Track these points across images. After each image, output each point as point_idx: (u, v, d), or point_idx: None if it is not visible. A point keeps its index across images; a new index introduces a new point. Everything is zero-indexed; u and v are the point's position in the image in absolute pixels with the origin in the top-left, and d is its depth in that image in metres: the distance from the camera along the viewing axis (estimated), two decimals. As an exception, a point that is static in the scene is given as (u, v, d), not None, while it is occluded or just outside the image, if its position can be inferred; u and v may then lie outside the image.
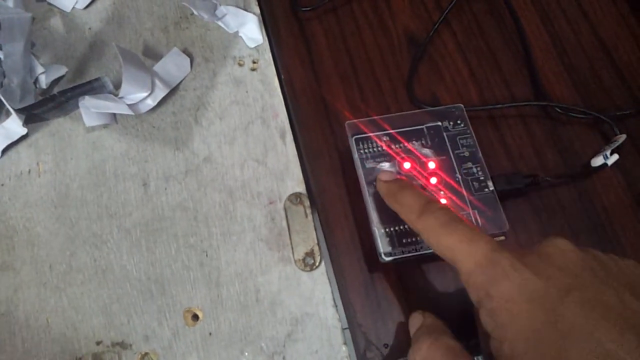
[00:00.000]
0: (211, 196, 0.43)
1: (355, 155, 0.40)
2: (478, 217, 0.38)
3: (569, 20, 0.49)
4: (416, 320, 0.34)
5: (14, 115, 0.44)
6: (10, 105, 0.43)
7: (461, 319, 0.38)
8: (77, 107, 0.45)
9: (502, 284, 0.26)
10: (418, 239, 0.37)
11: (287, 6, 0.51)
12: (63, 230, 0.43)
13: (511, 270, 0.26)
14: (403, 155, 0.40)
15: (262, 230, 0.42)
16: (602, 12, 0.49)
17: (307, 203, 0.42)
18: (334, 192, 0.43)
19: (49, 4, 0.51)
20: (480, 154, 0.39)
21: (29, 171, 0.45)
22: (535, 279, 0.25)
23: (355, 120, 0.41)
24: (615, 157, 0.40)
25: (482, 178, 0.39)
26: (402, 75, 0.47)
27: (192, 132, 0.46)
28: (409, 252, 0.37)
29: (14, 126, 0.45)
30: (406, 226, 0.37)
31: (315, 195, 0.43)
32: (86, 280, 0.41)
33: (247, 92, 0.47)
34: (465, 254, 0.28)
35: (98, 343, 0.39)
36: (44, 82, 0.47)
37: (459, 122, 0.41)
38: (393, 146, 0.40)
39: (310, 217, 0.42)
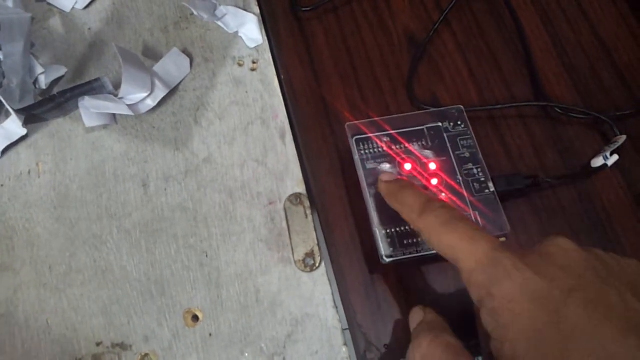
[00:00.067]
0: (211, 197, 0.43)
1: (356, 156, 0.40)
2: (479, 218, 0.37)
3: (569, 21, 0.49)
4: (417, 316, 0.34)
5: (13, 116, 0.44)
6: (9, 105, 0.43)
7: (461, 320, 0.38)
8: (77, 107, 0.45)
9: (503, 284, 0.26)
10: (419, 240, 0.37)
11: (287, 6, 0.50)
12: (63, 231, 0.43)
13: (513, 270, 0.26)
14: (404, 156, 0.40)
15: (262, 230, 0.42)
16: (602, 12, 0.49)
17: (307, 204, 0.42)
18: (334, 192, 0.43)
19: (49, 4, 0.51)
20: (481, 155, 0.39)
21: (29, 172, 0.45)
22: (537, 278, 0.25)
23: (355, 122, 0.41)
24: (616, 157, 0.40)
25: (482, 179, 0.39)
26: (402, 75, 0.47)
27: (191, 132, 0.45)
28: (410, 254, 0.37)
29: (14, 127, 0.45)
30: (407, 227, 0.37)
31: (315, 195, 0.43)
32: (86, 281, 0.41)
33: (246, 92, 0.47)
34: (466, 252, 0.28)
35: (98, 344, 0.39)
36: (43, 82, 0.47)
37: (459, 123, 0.41)
38: (394, 147, 0.40)
39: (310, 217, 0.42)
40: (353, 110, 0.46)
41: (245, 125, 0.46)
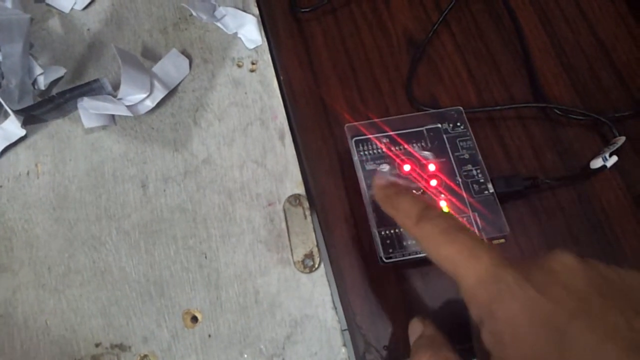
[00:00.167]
0: (210, 198, 0.43)
1: (355, 157, 0.40)
2: (478, 220, 0.38)
3: (568, 21, 0.49)
4: (416, 328, 0.33)
5: (12, 117, 0.44)
6: (8, 106, 0.43)
7: (461, 321, 0.38)
8: (76, 108, 0.45)
9: (506, 302, 0.25)
10: (418, 241, 0.37)
11: (286, 7, 0.51)
12: (62, 232, 0.43)
13: (516, 288, 0.25)
14: (403, 157, 0.40)
15: (261, 231, 0.42)
16: (600, 12, 0.49)
17: (306, 204, 0.42)
18: (333, 193, 0.43)
19: (48, 5, 0.51)
20: (480, 157, 0.40)
21: (28, 172, 0.45)
22: (540, 298, 0.24)
23: (355, 123, 0.41)
24: (615, 159, 0.40)
25: (482, 180, 0.39)
26: (401, 76, 0.47)
27: (191, 133, 0.45)
28: (409, 255, 0.37)
29: (13, 127, 0.45)
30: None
31: (315, 196, 0.43)
32: (85, 282, 0.41)
33: (246, 93, 0.47)
34: (466, 267, 0.27)
35: (97, 345, 0.39)
36: (42, 83, 0.46)
37: (458, 124, 0.41)
38: (393, 148, 0.40)
39: (309, 218, 0.42)
40: (352, 112, 0.46)
41: (245, 126, 0.46)
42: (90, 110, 0.43)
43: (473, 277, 0.26)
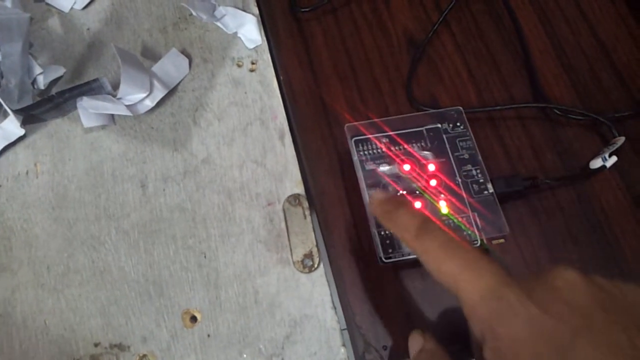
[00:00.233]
0: (210, 197, 0.43)
1: (355, 157, 0.40)
2: (478, 220, 0.38)
3: (568, 21, 0.49)
4: (416, 342, 0.33)
5: (11, 116, 0.44)
6: (8, 105, 0.43)
7: (460, 321, 0.38)
8: (75, 107, 0.45)
9: (508, 320, 0.25)
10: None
11: (286, 7, 0.50)
12: (61, 232, 0.43)
13: (519, 306, 0.25)
14: (403, 157, 0.40)
15: (260, 231, 0.42)
16: (600, 12, 0.49)
17: (305, 204, 0.42)
18: (332, 193, 0.43)
19: (47, 4, 0.51)
20: (480, 157, 0.39)
21: (27, 172, 0.45)
22: (543, 316, 0.24)
23: (354, 123, 0.41)
24: (614, 159, 0.40)
25: (481, 180, 0.39)
26: (401, 76, 0.47)
27: (190, 133, 0.45)
28: (408, 255, 0.37)
29: (12, 127, 0.45)
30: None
31: (314, 196, 0.43)
32: (84, 282, 0.41)
33: (245, 93, 0.47)
34: (468, 283, 0.26)
35: (96, 345, 0.39)
36: (42, 82, 0.46)
37: (458, 124, 0.41)
38: (393, 148, 0.40)
39: (309, 218, 0.42)
40: (352, 112, 0.46)
41: (244, 126, 0.45)
42: (89, 109, 0.43)
43: (475, 293, 0.26)
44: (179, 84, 0.47)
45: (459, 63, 0.47)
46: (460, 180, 0.39)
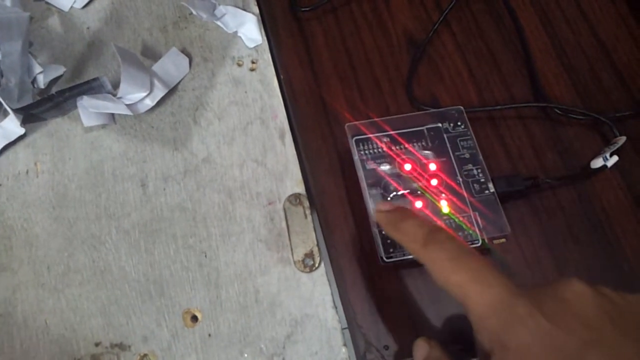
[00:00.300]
0: (210, 197, 0.43)
1: (356, 157, 0.40)
2: (479, 219, 0.38)
3: (568, 21, 0.49)
4: (422, 349, 0.33)
5: (11, 115, 0.44)
6: (8, 105, 0.43)
7: (461, 322, 0.38)
8: (76, 107, 0.45)
9: (517, 332, 0.25)
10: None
11: (286, 6, 0.50)
12: (61, 231, 0.42)
13: (528, 318, 0.25)
14: (403, 156, 0.40)
15: (261, 231, 0.42)
16: (601, 12, 0.49)
17: (306, 204, 0.42)
18: (333, 192, 0.43)
19: (47, 3, 0.51)
20: (481, 156, 0.39)
21: (27, 171, 0.45)
22: (553, 328, 0.24)
23: (355, 122, 0.41)
24: (615, 158, 0.40)
25: (482, 180, 0.39)
26: (402, 76, 0.47)
27: (190, 132, 0.45)
28: (409, 254, 0.37)
29: (12, 126, 0.45)
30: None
31: (315, 195, 0.43)
32: (84, 281, 0.41)
33: (246, 92, 0.47)
34: (477, 294, 0.26)
35: (97, 344, 0.39)
36: (42, 81, 0.46)
37: (459, 123, 0.41)
38: (393, 148, 0.40)
39: (309, 217, 0.42)
40: (352, 111, 0.46)
41: (245, 125, 0.45)
42: (89, 109, 0.43)
43: (484, 304, 0.26)
44: (179, 83, 0.47)
45: (460, 63, 0.47)
46: (461, 179, 0.39)
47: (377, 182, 0.39)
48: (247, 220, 0.42)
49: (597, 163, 0.41)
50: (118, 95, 0.44)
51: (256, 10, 0.50)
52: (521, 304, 0.25)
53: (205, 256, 0.41)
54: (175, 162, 0.44)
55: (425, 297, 0.39)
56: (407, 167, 0.39)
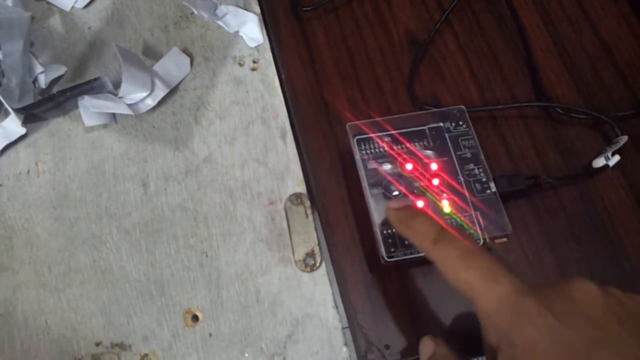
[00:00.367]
0: (211, 196, 0.43)
1: (357, 156, 0.40)
2: (480, 219, 0.37)
3: (570, 20, 0.49)
4: (428, 347, 0.33)
5: (12, 115, 0.44)
6: (9, 104, 0.43)
7: (462, 321, 0.38)
8: (77, 106, 0.45)
9: (525, 329, 0.25)
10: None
11: (288, 6, 0.50)
12: (62, 231, 0.42)
13: (536, 316, 0.25)
14: (405, 156, 0.40)
15: (262, 230, 0.42)
16: (603, 11, 0.49)
17: (307, 203, 0.42)
18: (334, 192, 0.43)
19: (48, 3, 0.51)
20: (482, 156, 0.39)
21: (28, 171, 0.45)
22: (561, 327, 0.24)
23: (356, 122, 0.41)
24: (617, 158, 0.40)
25: (484, 179, 0.39)
26: (403, 76, 0.47)
27: (192, 132, 0.45)
28: (411, 254, 0.37)
29: (13, 126, 0.45)
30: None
31: (316, 195, 0.43)
32: (85, 281, 0.41)
33: (247, 92, 0.47)
34: (486, 292, 0.27)
35: (97, 344, 0.39)
36: (43, 81, 0.46)
37: (460, 123, 0.41)
38: (395, 147, 0.40)
39: (310, 217, 0.42)
40: (354, 110, 0.46)
41: (246, 124, 0.45)
42: (91, 108, 0.43)
43: (492, 302, 0.26)
44: (180, 82, 0.47)
45: (461, 62, 0.47)
46: (462, 179, 0.39)
47: (379, 181, 0.39)
48: (248, 220, 0.42)
49: (599, 162, 0.41)
50: (119, 95, 0.44)
51: (257, 9, 0.50)
52: (529, 302, 0.25)
53: (206, 256, 0.41)
54: (177, 162, 0.44)
55: (426, 296, 0.39)
56: (409, 166, 0.39)
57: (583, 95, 0.45)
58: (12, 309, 0.40)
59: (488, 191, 0.38)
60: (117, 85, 0.44)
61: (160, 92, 0.45)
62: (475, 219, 0.37)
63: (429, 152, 0.40)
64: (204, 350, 0.39)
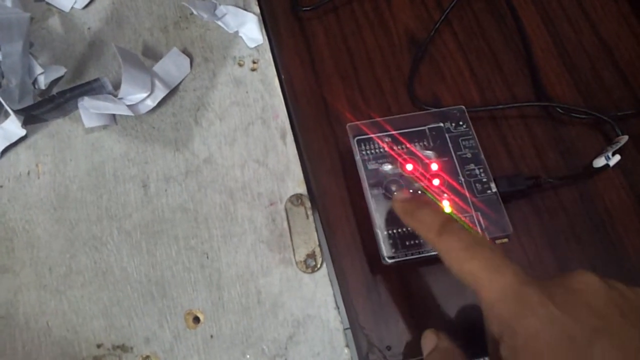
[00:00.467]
0: (212, 197, 0.43)
1: (357, 157, 0.40)
2: (481, 219, 0.37)
3: (570, 20, 0.49)
4: (430, 341, 0.33)
5: (12, 117, 0.44)
6: (9, 106, 0.43)
7: (463, 321, 0.38)
8: (76, 107, 0.45)
9: (528, 319, 0.25)
10: (420, 241, 0.37)
11: (287, 6, 0.50)
12: (63, 232, 0.42)
13: (538, 306, 0.25)
14: (405, 156, 0.40)
15: (263, 231, 0.42)
16: (603, 11, 0.49)
17: (308, 204, 0.42)
18: (335, 193, 0.43)
19: (48, 3, 0.51)
20: (483, 156, 0.39)
21: (28, 173, 0.44)
22: (562, 316, 0.24)
23: (357, 122, 0.41)
24: (617, 157, 0.40)
25: (484, 180, 0.39)
26: (403, 76, 0.47)
27: (192, 133, 0.45)
28: (412, 254, 0.37)
29: (13, 127, 0.45)
30: (409, 228, 0.37)
31: (316, 196, 0.43)
32: (86, 283, 0.41)
33: (247, 92, 0.47)
34: (489, 283, 0.27)
35: (99, 346, 0.39)
36: (42, 82, 0.46)
37: (460, 123, 0.41)
38: (395, 148, 0.40)
39: (311, 218, 0.42)
40: (354, 111, 0.45)
41: (246, 125, 0.45)
42: (90, 109, 0.43)
43: (495, 293, 0.26)
44: (180, 83, 0.47)
45: (461, 62, 0.47)
46: (463, 179, 0.39)
47: (379, 182, 0.39)
48: (249, 221, 0.42)
49: (599, 162, 0.41)
50: (119, 96, 0.44)
51: (257, 10, 0.50)
52: (532, 292, 0.26)
53: (207, 257, 0.41)
54: (177, 163, 0.44)
55: (427, 297, 0.39)
56: (409, 167, 0.39)
57: (583, 95, 0.45)
58: (13, 311, 0.40)
59: (489, 191, 0.38)
60: (116, 86, 0.44)
61: (160, 92, 0.45)
62: (475, 220, 0.37)
63: (429, 152, 0.40)
64: (205, 352, 0.39)
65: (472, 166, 0.39)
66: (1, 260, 0.42)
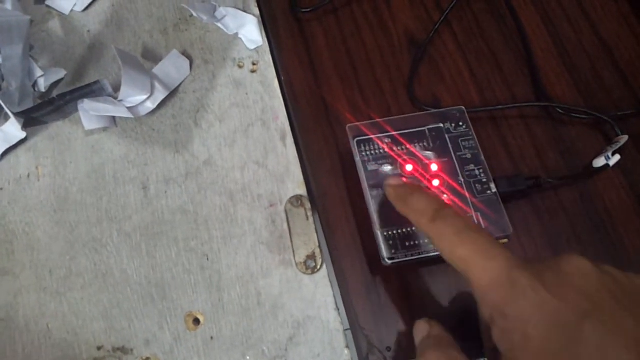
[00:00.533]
0: (212, 199, 0.43)
1: (357, 158, 0.40)
2: (481, 220, 0.37)
3: (570, 20, 0.49)
4: (422, 329, 0.33)
5: (12, 119, 0.44)
6: (9, 108, 0.43)
7: (464, 321, 0.38)
8: (76, 110, 0.45)
9: (519, 304, 0.25)
10: (420, 242, 0.37)
11: (287, 7, 0.50)
12: (63, 235, 0.42)
13: (529, 289, 0.25)
14: (405, 157, 0.39)
15: (263, 233, 0.42)
16: (603, 11, 0.49)
17: (308, 205, 0.42)
18: (335, 194, 0.43)
19: (48, 6, 0.51)
20: (482, 156, 0.39)
21: (28, 175, 0.45)
22: (553, 299, 0.24)
23: (356, 123, 0.41)
24: (617, 157, 0.40)
25: (484, 180, 0.39)
26: (403, 76, 0.47)
27: (192, 134, 0.45)
28: (412, 255, 0.37)
29: (13, 130, 0.45)
30: (409, 229, 0.37)
31: (316, 197, 0.43)
32: (86, 285, 0.41)
33: (247, 94, 0.47)
34: (481, 267, 0.27)
35: (99, 348, 0.39)
36: (42, 85, 0.46)
37: (460, 123, 0.41)
38: (395, 148, 0.40)
39: (311, 219, 0.42)
40: (354, 112, 0.45)
41: (246, 127, 0.45)
42: (90, 112, 0.43)
43: (487, 277, 0.27)
44: (180, 85, 0.47)
45: (461, 62, 0.47)
46: (463, 180, 0.39)
47: (379, 183, 0.39)
48: (249, 222, 0.42)
49: (599, 162, 0.41)
50: (119, 98, 0.44)
51: (256, 11, 0.50)
52: (523, 276, 0.26)
53: (207, 259, 0.41)
54: (177, 165, 0.44)
55: (427, 297, 0.39)
56: (409, 168, 0.39)
57: (583, 95, 0.45)
58: (13, 313, 0.40)
59: (488, 192, 0.38)
60: (116, 88, 0.44)
61: (160, 94, 0.45)
62: (475, 220, 0.37)
63: (429, 153, 0.40)
64: (205, 354, 0.39)
65: (472, 167, 0.39)
66: (1, 262, 0.42)
